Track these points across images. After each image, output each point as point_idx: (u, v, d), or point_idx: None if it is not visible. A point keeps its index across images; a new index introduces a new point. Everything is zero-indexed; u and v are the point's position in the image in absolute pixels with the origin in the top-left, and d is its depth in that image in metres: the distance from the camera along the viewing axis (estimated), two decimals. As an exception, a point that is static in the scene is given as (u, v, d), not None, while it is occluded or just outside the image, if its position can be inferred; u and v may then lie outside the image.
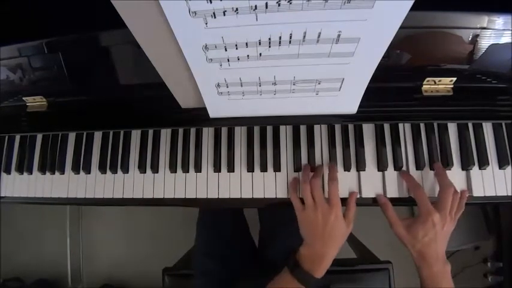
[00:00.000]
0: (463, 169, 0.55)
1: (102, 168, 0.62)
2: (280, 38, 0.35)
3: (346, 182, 0.56)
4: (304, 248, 0.52)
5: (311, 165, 0.56)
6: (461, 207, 0.51)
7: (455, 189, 0.51)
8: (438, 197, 0.51)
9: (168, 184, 0.59)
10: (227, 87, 0.45)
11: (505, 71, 0.50)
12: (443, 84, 0.52)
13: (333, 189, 0.51)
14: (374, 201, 0.55)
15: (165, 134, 0.62)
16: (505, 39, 0.44)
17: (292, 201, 0.54)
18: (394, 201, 0.54)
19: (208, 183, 0.58)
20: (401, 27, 0.33)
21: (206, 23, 0.33)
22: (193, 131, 0.61)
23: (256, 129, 0.59)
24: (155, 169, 0.60)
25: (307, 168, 0.55)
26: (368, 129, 0.57)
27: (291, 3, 0.31)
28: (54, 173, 0.64)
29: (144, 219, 1.43)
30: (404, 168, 0.55)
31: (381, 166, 0.55)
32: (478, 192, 0.54)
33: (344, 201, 0.54)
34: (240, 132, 0.60)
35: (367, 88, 0.45)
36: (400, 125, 0.57)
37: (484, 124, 0.56)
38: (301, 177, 0.54)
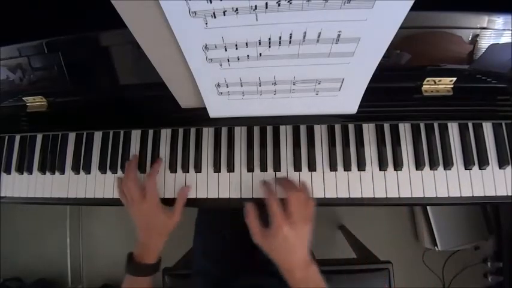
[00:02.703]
0: (465, 169, 0.55)
1: (102, 168, 0.62)
2: (280, 38, 0.35)
3: (346, 181, 0.56)
4: (135, 244, 0.56)
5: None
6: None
7: (297, 189, 0.50)
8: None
9: (168, 184, 0.59)
10: (227, 87, 0.45)
11: (505, 71, 0.49)
12: (443, 84, 0.52)
13: (148, 183, 0.55)
14: (363, 201, 0.55)
15: (165, 134, 0.62)
16: (505, 39, 0.44)
17: (120, 198, 0.58)
18: (400, 200, 0.54)
19: (208, 183, 0.59)
20: (401, 27, 0.33)
21: (206, 23, 0.33)
22: (193, 131, 0.61)
23: (256, 129, 0.59)
24: (155, 169, 0.60)
25: (128, 169, 0.58)
26: (368, 129, 0.57)
27: (291, 3, 0.31)
28: (54, 173, 0.64)
29: (144, 219, 1.43)
30: (404, 168, 0.55)
31: (382, 166, 0.55)
32: (478, 192, 0.54)
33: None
34: (240, 132, 0.60)
35: (367, 88, 0.45)
36: (400, 125, 0.57)
37: (484, 124, 0.56)
38: (123, 179, 0.57)
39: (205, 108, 0.51)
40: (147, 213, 0.55)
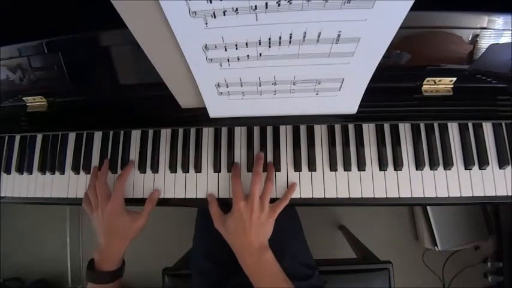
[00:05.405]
0: (465, 169, 0.55)
1: (102, 168, 0.62)
2: (280, 38, 0.35)
3: (346, 182, 0.56)
4: (95, 250, 0.55)
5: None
6: (284, 199, 0.53)
7: (269, 179, 0.53)
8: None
9: (168, 184, 0.59)
10: (227, 87, 0.45)
11: (505, 71, 0.49)
12: (443, 84, 0.52)
13: (116, 185, 0.55)
14: (362, 201, 0.55)
15: (165, 134, 0.62)
16: (505, 39, 0.44)
17: (85, 207, 0.57)
18: (400, 200, 0.54)
19: (208, 183, 0.59)
20: (401, 27, 0.33)
21: (206, 23, 0.33)
22: (193, 131, 0.61)
23: (256, 129, 0.59)
24: (155, 169, 0.60)
25: (93, 174, 0.59)
26: (368, 129, 0.57)
27: (291, 3, 0.31)
28: (54, 173, 0.64)
29: (144, 219, 1.43)
30: (404, 168, 0.55)
31: (382, 166, 0.55)
32: (478, 192, 0.54)
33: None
34: (240, 132, 0.60)
35: (367, 88, 0.45)
36: (400, 125, 0.57)
37: (484, 124, 0.56)
38: (93, 181, 0.57)
39: (205, 108, 0.51)
40: (109, 215, 0.53)
